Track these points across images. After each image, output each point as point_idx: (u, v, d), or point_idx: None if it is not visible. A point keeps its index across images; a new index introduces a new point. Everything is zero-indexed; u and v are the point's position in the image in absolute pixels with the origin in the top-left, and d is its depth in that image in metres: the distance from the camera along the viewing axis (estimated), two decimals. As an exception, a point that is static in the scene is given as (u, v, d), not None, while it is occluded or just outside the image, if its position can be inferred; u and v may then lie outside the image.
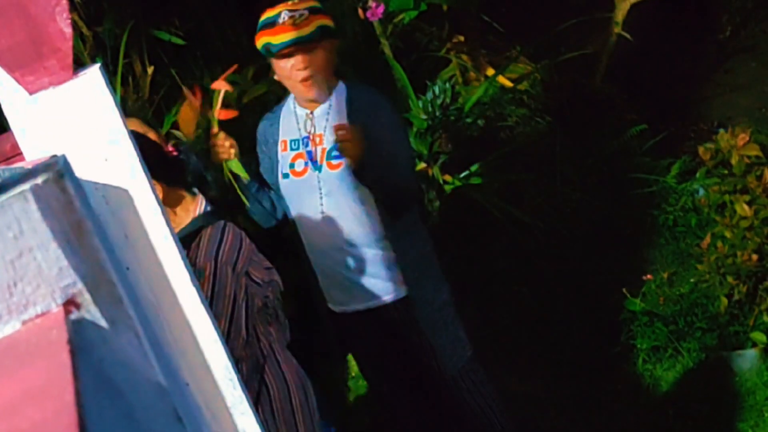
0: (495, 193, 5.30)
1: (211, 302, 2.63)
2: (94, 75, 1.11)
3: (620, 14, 6.07)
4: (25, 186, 0.74)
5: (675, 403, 4.14)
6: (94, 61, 1.21)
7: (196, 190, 2.91)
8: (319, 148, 3.32)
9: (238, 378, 1.26)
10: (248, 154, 4.90)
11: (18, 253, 0.75)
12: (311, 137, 3.34)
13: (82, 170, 1.08)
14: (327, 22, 3.22)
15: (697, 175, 4.66)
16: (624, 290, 4.58)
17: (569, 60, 5.93)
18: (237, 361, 2.73)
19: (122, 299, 0.81)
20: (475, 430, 3.54)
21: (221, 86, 3.12)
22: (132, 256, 1.11)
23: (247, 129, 4.87)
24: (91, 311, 0.78)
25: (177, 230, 2.77)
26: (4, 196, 0.73)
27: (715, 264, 4.34)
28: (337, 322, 3.53)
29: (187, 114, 3.12)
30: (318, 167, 3.30)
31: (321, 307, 3.54)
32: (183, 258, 1.17)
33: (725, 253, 4.29)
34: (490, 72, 5.85)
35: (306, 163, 3.34)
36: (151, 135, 3.23)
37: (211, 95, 3.25)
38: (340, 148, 3.10)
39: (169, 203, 2.78)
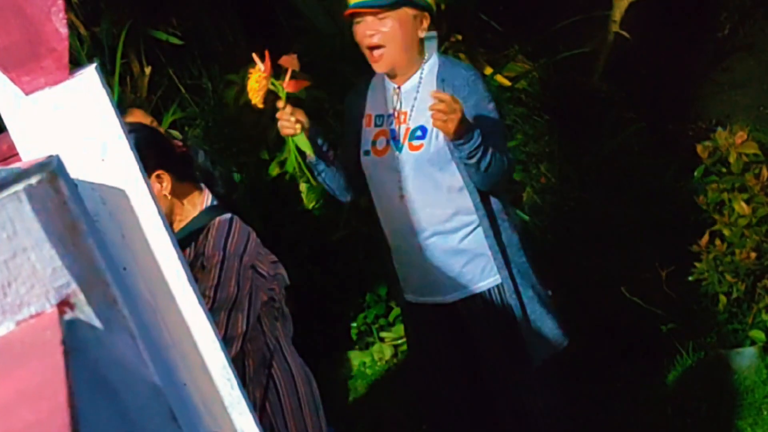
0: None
1: (216, 291, 2.64)
2: (90, 75, 1.11)
3: (618, 13, 6.08)
4: (19, 186, 0.74)
5: (674, 401, 4.14)
6: (91, 62, 1.21)
7: (203, 185, 2.91)
8: (403, 127, 3.16)
9: (236, 378, 1.26)
10: (247, 153, 4.92)
11: (12, 254, 0.75)
12: (396, 114, 3.17)
13: (78, 170, 1.08)
14: None
15: (696, 173, 4.65)
16: (622, 288, 4.57)
17: (567, 58, 5.93)
18: (243, 356, 2.75)
19: (117, 299, 0.81)
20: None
21: (290, 63, 2.96)
22: (129, 256, 1.11)
23: (244, 129, 4.89)
24: (85, 312, 0.78)
25: (184, 223, 2.79)
26: (-2, 197, 0.73)
27: (714, 262, 4.33)
28: (414, 314, 3.38)
29: (256, 81, 2.97)
30: (399, 147, 3.14)
31: (399, 299, 3.39)
32: (180, 258, 1.17)
33: (724, 252, 4.29)
34: (488, 71, 5.83)
35: (388, 142, 3.17)
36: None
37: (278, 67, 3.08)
38: (435, 117, 2.85)
39: (177, 195, 2.79)
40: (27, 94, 1.08)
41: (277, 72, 2.97)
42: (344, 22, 3.57)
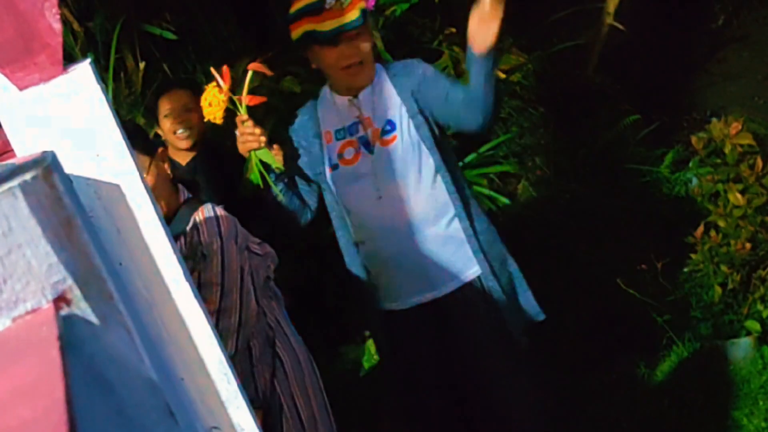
0: (488, 185, 5.30)
1: (223, 276, 2.67)
2: (84, 70, 1.10)
3: (612, 4, 6.08)
4: (14, 183, 0.73)
5: (670, 392, 4.15)
6: (85, 57, 1.20)
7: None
8: (370, 131, 3.17)
9: (232, 372, 1.26)
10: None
11: (7, 250, 0.75)
12: (361, 121, 3.19)
13: (73, 166, 1.08)
14: (364, 2, 3.10)
15: (690, 164, 4.67)
16: (618, 280, 4.58)
17: (562, 51, 5.94)
18: (249, 338, 2.78)
19: (113, 295, 0.80)
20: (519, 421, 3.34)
21: (259, 68, 2.94)
22: (125, 251, 1.11)
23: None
24: (81, 307, 0.78)
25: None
26: (-7, 193, 0.73)
27: (709, 253, 4.34)
28: (394, 323, 3.33)
29: (213, 97, 2.94)
30: (371, 149, 3.16)
31: (371, 311, 3.36)
32: (176, 252, 1.17)
33: (719, 242, 4.30)
34: (483, 63, 5.83)
35: (357, 150, 3.19)
36: (195, 116, 3.27)
37: (240, 79, 3.08)
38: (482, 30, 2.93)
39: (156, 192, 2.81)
40: (21, 89, 1.07)
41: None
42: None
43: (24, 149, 1.10)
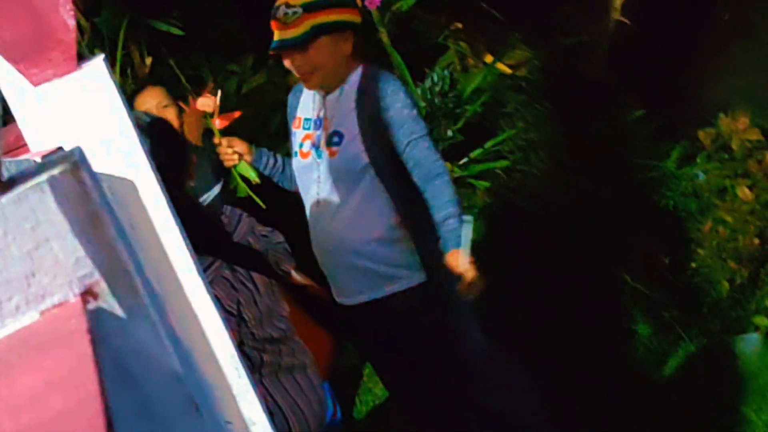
0: (494, 180, 5.31)
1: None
2: (98, 66, 1.11)
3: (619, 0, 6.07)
4: (42, 177, 0.74)
5: (678, 387, 4.15)
6: (92, 52, 1.20)
7: None
8: (324, 134, 3.20)
9: (243, 367, 1.26)
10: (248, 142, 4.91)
11: (35, 245, 0.75)
12: (323, 121, 3.22)
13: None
14: (327, 18, 3.05)
15: (698, 159, 4.66)
16: (625, 275, 4.58)
17: (568, 46, 5.93)
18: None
19: (138, 288, 0.81)
20: (497, 422, 3.39)
21: (203, 107, 3.20)
22: (138, 247, 1.12)
23: (246, 122, 4.89)
24: (108, 301, 0.78)
25: None
26: (21, 188, 0.74)
27: (717, 248, 4.34)
28: (347, 314, 3.39)
29: (190, 123, 3.18)
30: (319, 153, 3.20)
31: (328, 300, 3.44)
32: (188, 247, 1.17)
33: (726, 238, 4.30)
34: (489, 59, 5.84)
35: (311, 146, 3.23)
36: (170, 110, 3.30)
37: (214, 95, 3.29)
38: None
39: None
40: (35, 85, 1.07)
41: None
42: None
43: (37, 144, 1.11)
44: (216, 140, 3.21)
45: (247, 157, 3.32)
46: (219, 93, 3.30)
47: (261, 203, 3.37)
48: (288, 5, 3.02)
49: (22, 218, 0.74)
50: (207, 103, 3.28)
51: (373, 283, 3.23)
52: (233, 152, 3.22)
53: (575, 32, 6.04)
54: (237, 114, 3.38)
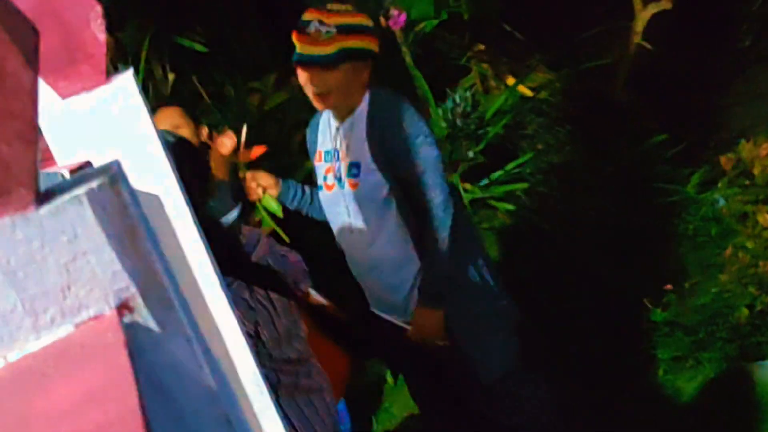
0: (515, 202, 5.30)
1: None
2: (127, 80, 1.11)
3: (640, 23, 6.08)
4: (81, 190, 0.74)
5: (696, 413, 4.12)
6: (115, 67, 1.21)
7: None
8: (343, 165, 3.20)
9: (265, 383, 1.26)
10: (269, 160, 4.93)
11: (72, 257, 0.75)
12: (338, 152, 3.23)
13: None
14: (356, 43, 3.05)
15: (719, 184, 4.64)
16: (645, 300, 4.56)
17: (589, 69, 5.93)
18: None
19: (173, 303, 0.81)
20: None
21: (221, 147, 3.29)
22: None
23: (267, 136, 4.90)
24: (143, 315, 0.78)
25: None
26: (60, 200, 0.74)
27: (737, 274, 4.32)
28: (377, 324, 3.45)
29: (216, 159, 3.21)
30: (342, 184, 3.21)
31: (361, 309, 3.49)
32: (213, 264, 1.18)
33: (747, 264, 4.28)
34: (511, 81, 5.85)
35: (334, 178, 3.24)
36: (187, 130, 3.31)
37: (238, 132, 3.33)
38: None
39: None
40: (63, 98, 1.08)
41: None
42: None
43: (64, 157, 1.11)
44: (241, 174, 3.24)
45: (273, 191, 3.35)
46: (245, 128, 3.33)
47: (285, 237, 3.39)
48: (321, 23, 3.01)
49: (60, 230, 0.75)
50: (225, 143, 3.33)
51: (396, 308, 3.32)
52: (256, 185, 3.25)
53: (597, 56, 6.04)
54: (262, 149, 3.40)
